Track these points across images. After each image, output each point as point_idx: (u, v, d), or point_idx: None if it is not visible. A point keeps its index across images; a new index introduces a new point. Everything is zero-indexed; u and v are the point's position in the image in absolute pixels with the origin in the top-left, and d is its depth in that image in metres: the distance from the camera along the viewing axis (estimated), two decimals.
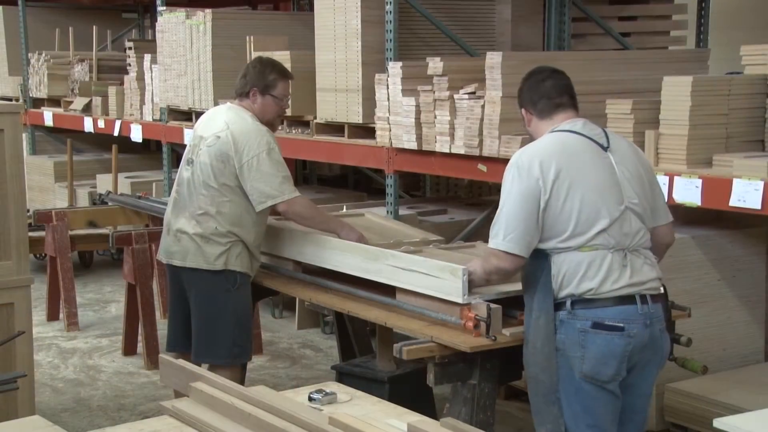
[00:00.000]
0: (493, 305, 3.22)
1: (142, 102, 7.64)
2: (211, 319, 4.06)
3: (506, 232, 3.08)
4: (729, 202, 3.72)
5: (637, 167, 3.21)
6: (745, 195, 3.66)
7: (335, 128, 5.76)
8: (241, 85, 4.14)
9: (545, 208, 3.05)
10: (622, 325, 3.02)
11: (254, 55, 6.35)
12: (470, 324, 3.19)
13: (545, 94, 3.21)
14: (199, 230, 4.03)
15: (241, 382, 4.17)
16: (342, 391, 2.62)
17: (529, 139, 3.36)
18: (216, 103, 6.30)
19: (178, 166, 4.35)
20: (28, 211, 5.74)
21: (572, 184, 3.05)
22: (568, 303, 3.05)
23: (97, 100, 8.26)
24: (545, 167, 3.06)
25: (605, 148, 3.16)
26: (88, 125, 8.37)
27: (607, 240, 3.05)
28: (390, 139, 5.23)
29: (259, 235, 4.12)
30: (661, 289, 3.17)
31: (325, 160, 6.20)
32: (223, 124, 4.04)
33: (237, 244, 4.04)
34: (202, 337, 4.09)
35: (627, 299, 3.04)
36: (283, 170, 4.01)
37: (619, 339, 3.02)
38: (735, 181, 3.70)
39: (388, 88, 5.20)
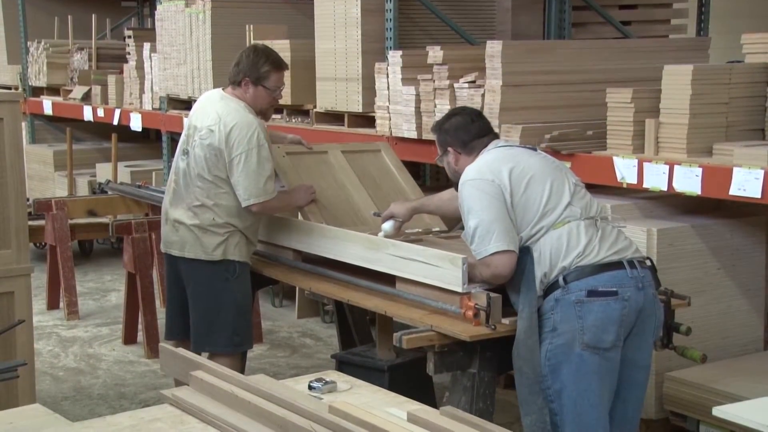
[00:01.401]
0: (492, 294, 3.22)
1: (142, 91, 7.63)
2: (212, 308, 4.06)
3: (489, 238, 3.17)
4: (729, 191, 3.71)
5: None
6: (745, 184, 3.65)
7: (335, 117, 5.75)
8: (233, 74, 4.09)
9: (512, 203, 3.19)
10: (615, 289, 3.11)
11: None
12: (470, 313, 3.20)
13: (477, 134, 3.42)
14: (196, 221, 4.02)
15: (242, 370, 4.18)
16: (342, 379, 2.63)
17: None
18: None
19: None
20: (28, 200, 5.73)
21: (526, 176, 3.23)
22: (561, 279, 3.12)
23: (96, 89, 8.24)
24: (495, 171, 3.24)
25: (534, 149, 3.43)
26: (87, 114, 8.35)
27: (573, 211, 3.21)
28: (390, 128, 5.23)
29: (255, 222, 4.12)
30: (648, 262, 3.26)
31: None
32: (216, 117, 3.99)
33: (235, 234, 4.04)
34: (202, 327, 4.09)
35: (615, 265, 3.15)
36: (269, 169, 4.01)
37: (615, 303, 3.10)
38: (735, 169, 3.70)
39: (388, 77, 5.19)
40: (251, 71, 4.06)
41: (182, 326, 4.20)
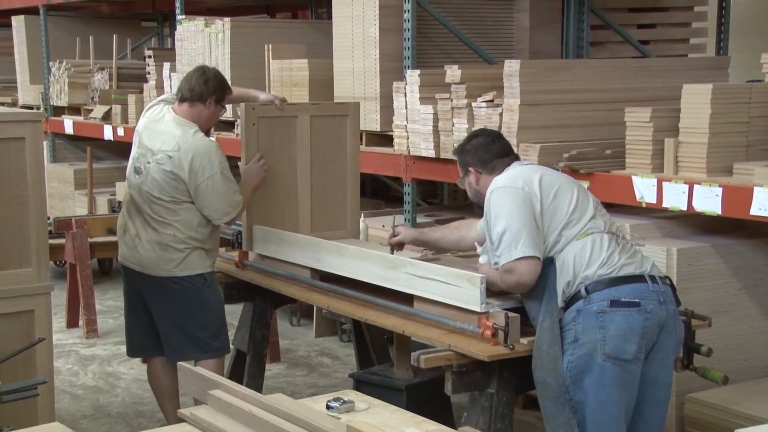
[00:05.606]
0: (511, 314, 3.21)
1: None
2: (188, 321, 4.13)
3: (516, 243, 3.17)
4: (750, 211, 3.69)
5: None
6: (765, 203, 3.63)
7: None
8: (200, 92, 4.12)
9: (541, 210, 3.22)
10: (637, 300, 3.12)
11: (273, 63, 6.38)
12: (488, 332, 3.19)
13: (497, 154, 3.47)
14: (156, 237, 4.10)
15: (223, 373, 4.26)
16: (360, 399, 2.62)
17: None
18: (234, 111, 6.32)
19: None
20: (49, 218, 5.77)
21: (555, 185, 3.28)
22: (583, 289, 3.14)
23: (116, 108, 8.31)
24: (527, 179, 3.28)
25: (556, 170, 3.49)
26: (107, 133, 8.42)
27: (597, 224, 3.25)
28: (408, 146, 5.23)
29: (214, 234, 4.21)
30: (667, 280, 3.27)
31: None
32: (175, 144, 4.06)
33: (195, 250, 4.12)
34: (179, 339, 4.15)
35: (637, 278, 3.16)
36: (234, 184, 4.14)
37: (637, 314, 3.11)
38: (756, 189, 3.68)
39: (405, 96, 5.21)
40: (218, 91, 4.17)
41: (146, 342, 4.28)
